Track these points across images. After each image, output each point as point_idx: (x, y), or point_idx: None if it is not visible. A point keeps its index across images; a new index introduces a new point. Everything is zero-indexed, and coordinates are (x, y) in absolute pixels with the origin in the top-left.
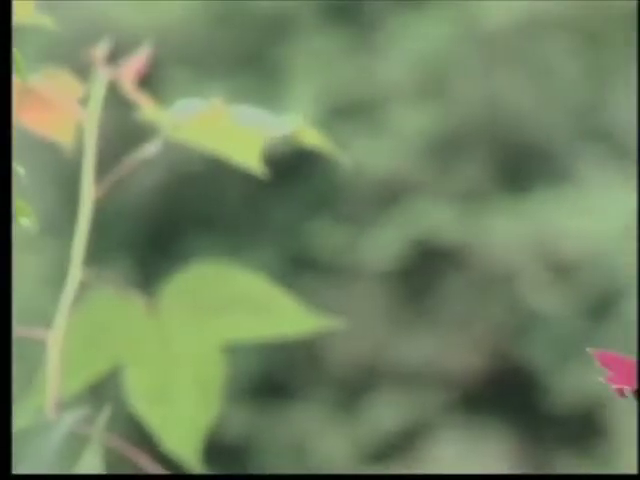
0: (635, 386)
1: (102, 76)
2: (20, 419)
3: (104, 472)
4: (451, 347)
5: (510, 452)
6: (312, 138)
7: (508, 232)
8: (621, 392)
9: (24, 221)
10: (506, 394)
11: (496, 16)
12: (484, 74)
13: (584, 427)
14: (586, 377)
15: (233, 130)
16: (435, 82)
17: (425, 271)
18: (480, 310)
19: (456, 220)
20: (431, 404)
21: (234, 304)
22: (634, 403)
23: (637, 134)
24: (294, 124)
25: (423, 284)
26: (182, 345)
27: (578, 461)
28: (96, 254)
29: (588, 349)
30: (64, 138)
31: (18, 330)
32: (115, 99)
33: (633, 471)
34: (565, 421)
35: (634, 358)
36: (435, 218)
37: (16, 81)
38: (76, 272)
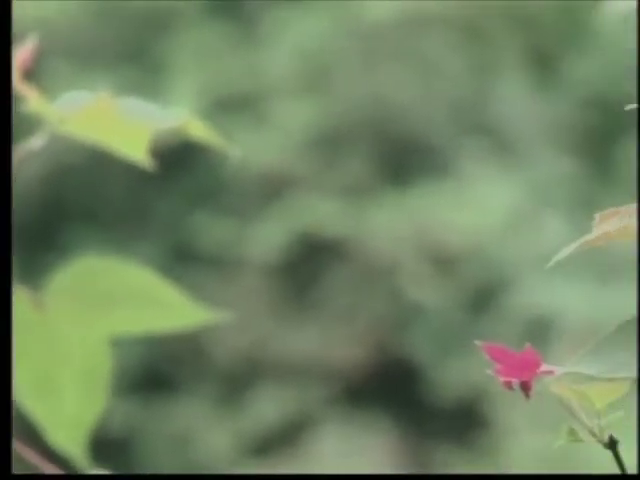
0: (522, 378)
1: None
2: None
3: None
4: (334, 340)
5: (392, 445)
6: (199, 131)
7: (391, 225)
8: (509, 385)
9: None
10: (389, 387)
11: (379, 12)
12: (367, 69)
13: (466, 420)
14: (468, 370)
15: (120, 123)
16: (318, 77)
17: (309, 264)
18: (363, 303)
19: (339, 214)
20: (314, 398)
21: (121, 298)
22: (516, 395)
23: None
24: (181, 117)
25: (307, 277)
26: (69, 339)
27: (460, 454)
28: None
29: (476, 342)
30: None
31: None
32: None
33: (521, 465)
34: (447, 414)
35: (521, 350)
36: (319, 212)
37: None
38: None
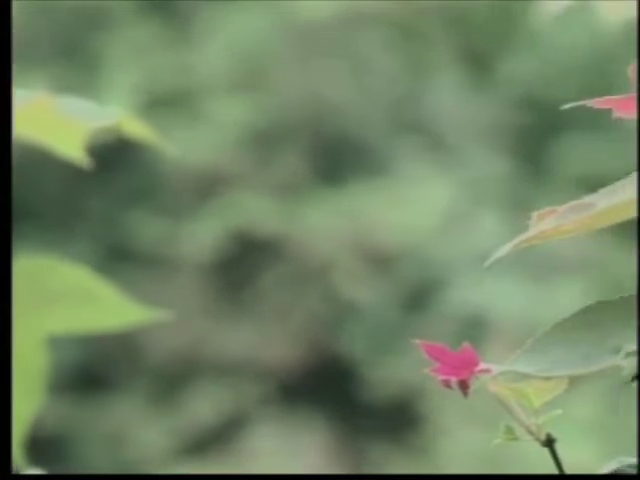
0: (460, 377)
1: None
2: None
3: None
4: (269, 339)
5: (327, 444)
6: (134, 129)
7: (326, 224)
8: (447, 383)
9: None
10: (324, 386)
11: (314, 10)
12: (302, 67)
13: (401, 419)
14: (403, 369)
15: (56, 121)
16: (253, 74)
17: (244, 263)
18: (298, 302)
19: (274, 212)
20: (249, 397)
21: (57, 297)
22: (451, 394)
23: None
24: (116, 115)
25: (241, 276)
26: None
27: (395, 453)
28: None
29: (414, 340)
30: None
31: None
32: None
33: (457, 464)
34: (382, 413)
35: (458, 349)
36: (253, 210)
37: None
38: None
